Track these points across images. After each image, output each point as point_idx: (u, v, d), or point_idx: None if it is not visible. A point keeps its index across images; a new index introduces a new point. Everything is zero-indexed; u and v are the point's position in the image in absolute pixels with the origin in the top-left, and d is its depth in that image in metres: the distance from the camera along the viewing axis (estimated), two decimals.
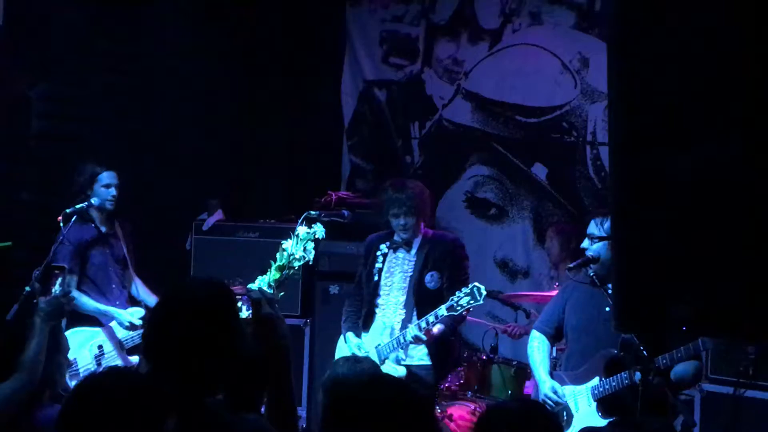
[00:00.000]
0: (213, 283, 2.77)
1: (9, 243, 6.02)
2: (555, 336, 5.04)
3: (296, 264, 4.07)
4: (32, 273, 4.96)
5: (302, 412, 6.73)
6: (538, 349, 4.99)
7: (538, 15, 7.46)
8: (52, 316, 3.62)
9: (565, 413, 4.73)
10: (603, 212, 4.73)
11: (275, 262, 4.04)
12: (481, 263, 7.20)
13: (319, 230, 4.22)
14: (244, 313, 3.31)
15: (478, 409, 5.78)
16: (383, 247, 5.54)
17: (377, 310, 5.49)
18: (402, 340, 5.24)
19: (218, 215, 7.36)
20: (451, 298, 5.08)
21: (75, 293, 5.59)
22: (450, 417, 5.64)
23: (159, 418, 2.34)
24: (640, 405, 3.90)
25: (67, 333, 5.66)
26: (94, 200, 5.68)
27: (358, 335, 5.50)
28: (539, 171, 7.51)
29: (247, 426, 2.80)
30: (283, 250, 4.08)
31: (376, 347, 5.36)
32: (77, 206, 5.53)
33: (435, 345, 5.34)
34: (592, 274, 4.67)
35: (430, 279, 5.41)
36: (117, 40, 6.96)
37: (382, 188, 5.58)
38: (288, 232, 4.17)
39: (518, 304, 6.52)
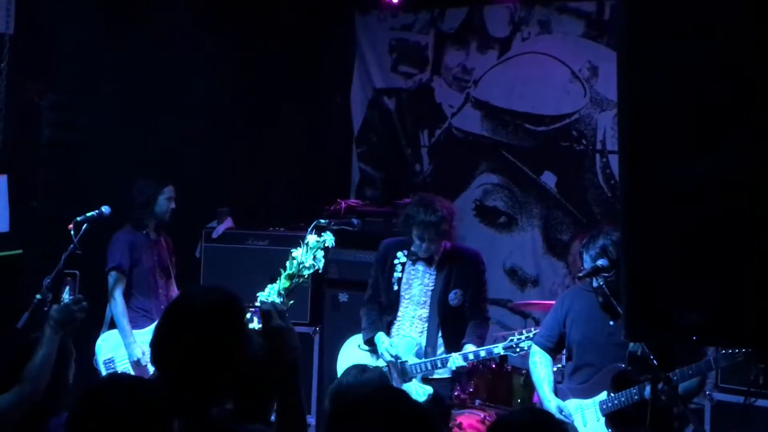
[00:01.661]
0: (219, 291, 2.78)
1: (20, 251, 6.05)
2: (555, 349, 5.00)
3: (306, 272, 4.08)
4: (43, 281, 4.96)
5: (311, 420, 6.72)
6: (540, 363, 4.93)
7: (548, 24, 7.46)
8: (63, 325, 3.55)
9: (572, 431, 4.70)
10: (594, 236, 4.69)
11: (285, 270, 4.05)
12: (490, 271, 7.09)
13: (328, 238, 4.23)
14: (255, 325, 3.31)
15: (487, 418, 5.76)
16: (401, 255, 5.39)
17: (395, 321, 5.40)
18: (439, 364, 5.17)
19: (228, 223, 7.36)
20: (510, 338, 5.07)
21: (119, 298, 5.91)
22: (460, 426, 5.62)
23: (164, 423, 2.35)
24: (649, 416, 3.87)
25: (110, 332, 5.97)
26: (105, 209, 5.68)
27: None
28: (548, 179, 7.51)
29: None
30: (293, 258, 4.09)
31: (404, 363, 5.28)
32: (88, 214, 5.55)
33: None
34: (602, 284, 4.59)
35: (454, 297, 5.32)
36: (125, 49, 6.98)
37: (412, 202, 5.40)
38: (297, 241, 4.18)
39: (527, 313, 6.50)
